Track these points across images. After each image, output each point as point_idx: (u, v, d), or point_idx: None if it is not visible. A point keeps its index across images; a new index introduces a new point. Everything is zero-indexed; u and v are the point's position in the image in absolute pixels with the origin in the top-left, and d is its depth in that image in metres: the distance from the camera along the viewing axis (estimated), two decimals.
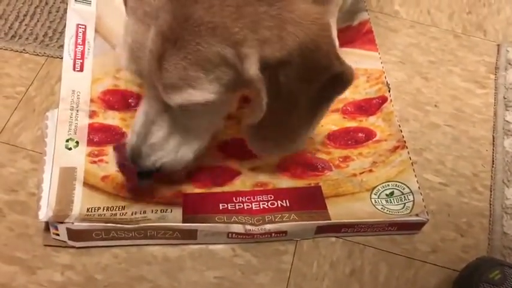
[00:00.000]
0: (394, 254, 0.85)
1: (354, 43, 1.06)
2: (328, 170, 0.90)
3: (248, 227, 0.81)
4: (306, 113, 0.73)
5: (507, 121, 1.00)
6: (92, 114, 0.92)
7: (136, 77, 0.68)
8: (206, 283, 0.80)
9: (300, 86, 0.67)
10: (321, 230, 0.84)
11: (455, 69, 1.08)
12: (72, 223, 0.78)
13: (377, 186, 0.88)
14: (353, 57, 1.04)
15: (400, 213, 0.85)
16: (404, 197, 0.86)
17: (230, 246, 0.83)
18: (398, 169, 0.89)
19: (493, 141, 0.98)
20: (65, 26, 1.00)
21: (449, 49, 1.10)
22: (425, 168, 0.94)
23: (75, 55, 0.97)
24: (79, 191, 0.84)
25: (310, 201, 0.86)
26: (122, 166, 0.81)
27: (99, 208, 0.82)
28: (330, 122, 0.96)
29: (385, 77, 1.01)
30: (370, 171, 0.90)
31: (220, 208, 0.84)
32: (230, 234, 0.82)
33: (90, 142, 0.89)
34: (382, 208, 0.85)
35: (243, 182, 0.87)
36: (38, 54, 1.02)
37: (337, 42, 0.69)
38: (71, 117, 0.91)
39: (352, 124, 0.96)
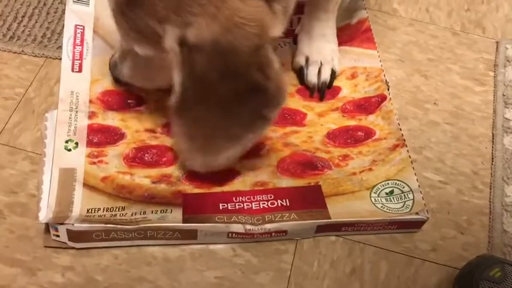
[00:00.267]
0: (395, 252, 0.85)
1: (353, 41, 1.06)
2: (328, 169, 0.90)
3: (248, 226, 0.81)
4: (224, 117, 0.75)
5: (506, 118, 1.00)
6: (91, 115, 0.92)
7: None
8: (206, 283, 0.80)
9: (215, 80, 0.70)
10: (321, 229, 0.84)
11: (454, 66, 1.08)
12: (73, 224, 0.78)
13: (377, 184, 0.88)
14: (352, 55, 1.04)
15: (400, 212, 0.85)
16: (404, 195, 0.87)
17: (230, 246, 0.84)
18: (398, 167, 0.89)
19: (493, 138, 0.98)
20: (63, 27, 1.00)
21: (448, 47, 1.10)
22: (425, 167, 0.94)
23: (73, 56, 0.97)
24: (79, 192, 0.84)
25: (310, 200, 0.86)
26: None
27: (99, 209, 0.82)
28: (330, 120, 0.96)
29: (384, 75, 1.01)
30: (370, 169, 0.90)
31: (220, 208, 0.84)
32: (230, 234, 0.82)
33: (90, 143, 0.89)
34: (382, 207, 0.85)
35: (242, 182, 0.87)
36: (36, 55, 1.02)
37: (273, 58, 0.70)
38: (70, 118, 0.91)
39: (351, 123, 0.96)
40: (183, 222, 0.81)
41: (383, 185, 0.88)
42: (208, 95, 0.72)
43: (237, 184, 0.87)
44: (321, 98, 0.99)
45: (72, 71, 0.96)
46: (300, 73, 1.01)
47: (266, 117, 0.76)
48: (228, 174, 0.88)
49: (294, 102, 0.98)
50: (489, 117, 1.01)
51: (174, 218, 0.82)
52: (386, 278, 0.83)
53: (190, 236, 0.82)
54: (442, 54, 1.09)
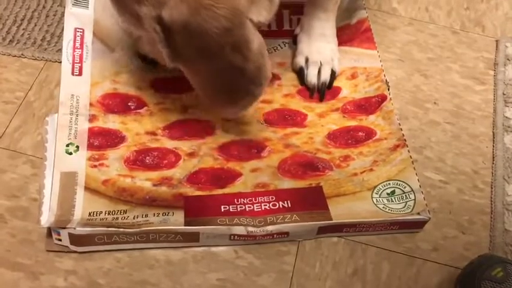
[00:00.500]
0: (396, 252, 0.85)
1: (353, 41, 1.06)
2: (329, 170, 0.90)
3: (250, 228, 0.81)
4: (221, 85, 0.79)
5: (507, 117, 1.00)
6: (92, 118, 0.92)
7: None
8: (209, 285, 0.81)
9: (196, 57, 0.74)
10: (322, 230, 0.84)
11: (454, 66, 1.07)
12: (74, 228, 0.78)
13: (378, 185, 0.88)
14: (352, 55, 1.04)
15: (401, 212, 0.85)
16: (405, 195, 0.87)
17: (232, 248, 0.84)
18: (399, 168, 0.90)
19: (493, 137, 0.98)
20: (62, 30, 1.00)
21: (448, 46, 1.10)
22: (425, 166, 0.94)
23: (73, 59, 0.97)
24: (80, 196, 0.84)
25: (312, 201, 0.86)
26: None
27: (100, 212, 0.82)
28: (330, 121, 0.96)
29: (384, 75, 1.01)
30: (371, 170, 0.90)
31: (222, 210, 0.84)
32: (232, 236, 0.82)
33: (91, 146, 0.89)
34: (383, 207, 0.85)
35: (244, 184, 0.88)
36: (36, 59, 1.02)
37: (252, 39, 0.73)
38: (70, 121, 0.91)
39: (352, 123, 0.96)
40: (185, 225, 0.81)
41: (384, 186, 0.88)
42: (198, 69, 0.77)
43: (238, 186, 0.87)
44: (321, 99, 0.99)
45: (72, 74, 0.96)
46: (300, 73, 1.01)
47: (254, 94, 0.80)
48: (229, 176, 0.88)
49: (295, 103, 0.98)
50: (489, 116, 1.01)
51: (175, 220, 0.82)
52: (388, 278, 0.83)
53: (192, 238, 0.82)
54: (442, 53, 1.09)
